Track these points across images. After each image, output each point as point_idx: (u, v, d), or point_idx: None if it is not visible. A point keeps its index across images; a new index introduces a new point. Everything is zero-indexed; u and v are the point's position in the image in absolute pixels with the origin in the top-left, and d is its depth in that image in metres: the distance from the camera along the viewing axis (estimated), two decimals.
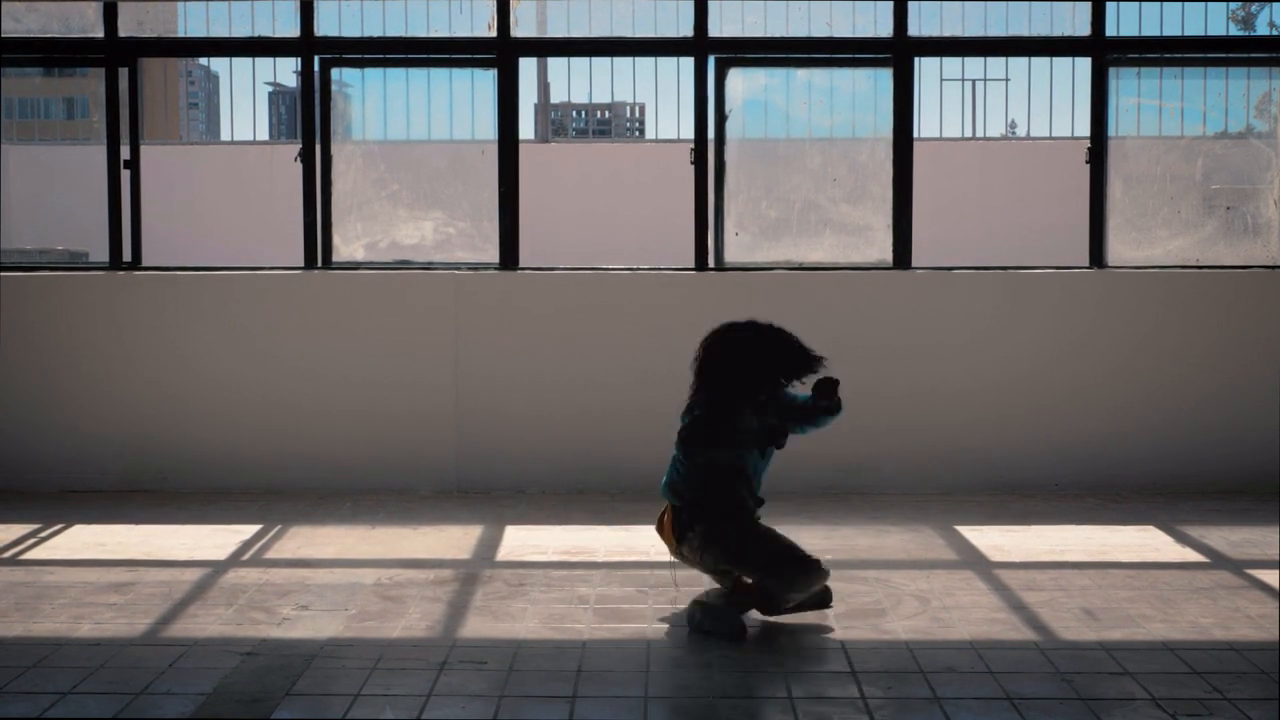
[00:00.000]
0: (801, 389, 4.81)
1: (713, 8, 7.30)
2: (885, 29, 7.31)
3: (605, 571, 5.42)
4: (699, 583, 4.97)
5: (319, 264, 7.39)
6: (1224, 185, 7.58)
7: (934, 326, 7.18)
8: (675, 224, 9.06)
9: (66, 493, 7.10)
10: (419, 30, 7.41)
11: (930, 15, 7.33)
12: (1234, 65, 7.56)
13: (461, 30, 7.37)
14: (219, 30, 7.52)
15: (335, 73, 7.38)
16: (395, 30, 7.40)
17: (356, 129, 7.60)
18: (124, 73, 7.40)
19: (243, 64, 29.60)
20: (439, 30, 7.39)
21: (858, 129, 7.45)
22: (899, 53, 7.30)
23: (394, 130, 7.67)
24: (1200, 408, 7.17)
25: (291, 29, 7.35)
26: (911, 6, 7.28)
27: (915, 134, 7.36)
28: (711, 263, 7.35)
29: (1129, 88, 7.44)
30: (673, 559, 4.87)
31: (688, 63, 7.35)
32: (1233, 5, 7.96)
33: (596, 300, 7.22)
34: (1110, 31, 7.32)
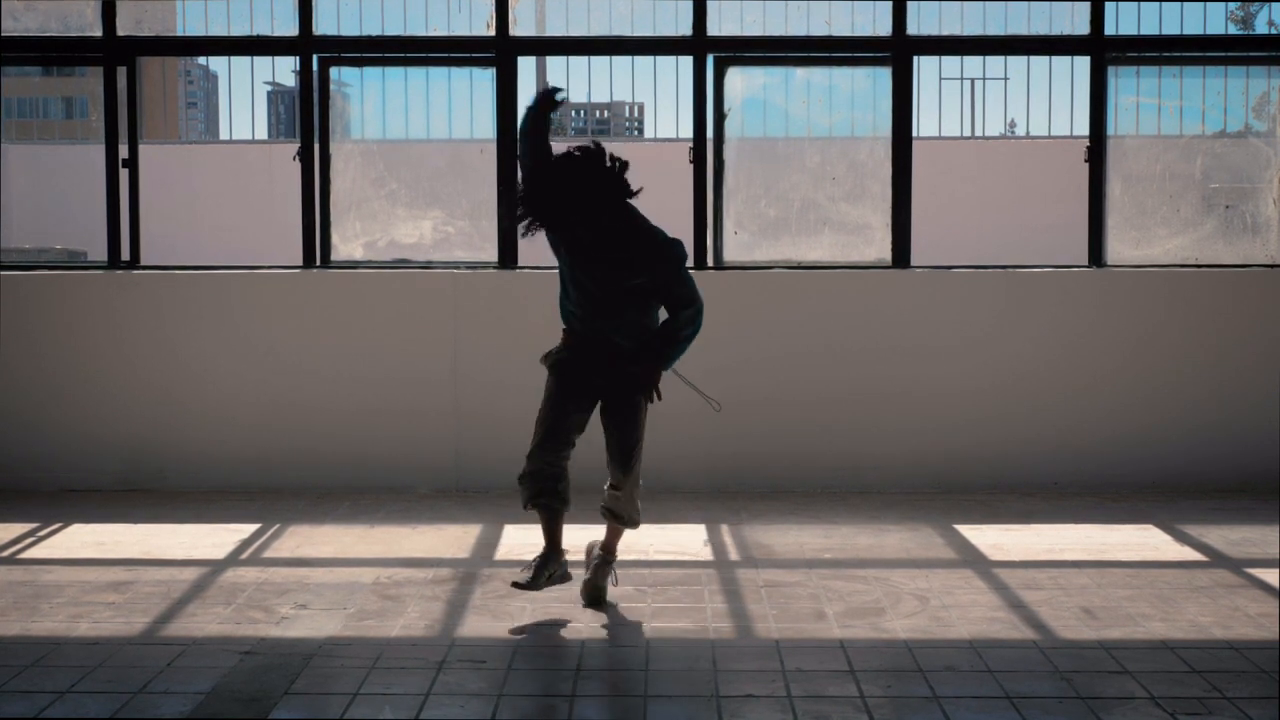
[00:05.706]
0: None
1: (711, 7, 7.29)
2: (884, 28, 7.31)
3: None
4: None
5: (318, 263, 7.38)
6: (1223, 184, 7.58)
7: (933, 325, 7.17)
8: (674, 223, 9.03)
9: (65, 491, 7.09)
10: (418, 29, 7.40)
11: (929, 14, 7.33)
12: (1233, 64, 7.56)
13: (460, 29, 7.36)
14: (218, 29, 7.50)
15: (334, 72, 7.37)
16: (394, 29, 7.40)
17: (355, 128, 7.59)
18: (123, 72, 7.39)
19: (241, 63, 29.68)
20: (438, 29, 7.39)
21: (857, 128, 7.44)
22: (898, 51, 7.29)
23: (393, 129, 7.66)
24: (1199, 406, 7.17)
25: (290, 28, 7.34)
26: (910, 5, 7.28)
27: (914, 133, 7.35)
28: (710, 262, 7.34)
29: (1128, 87, 7.44)
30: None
31: (686, 62, 7.35)
32: (1232, 5, 7.94)
33: None
34: (1109, 30, 7.32)
